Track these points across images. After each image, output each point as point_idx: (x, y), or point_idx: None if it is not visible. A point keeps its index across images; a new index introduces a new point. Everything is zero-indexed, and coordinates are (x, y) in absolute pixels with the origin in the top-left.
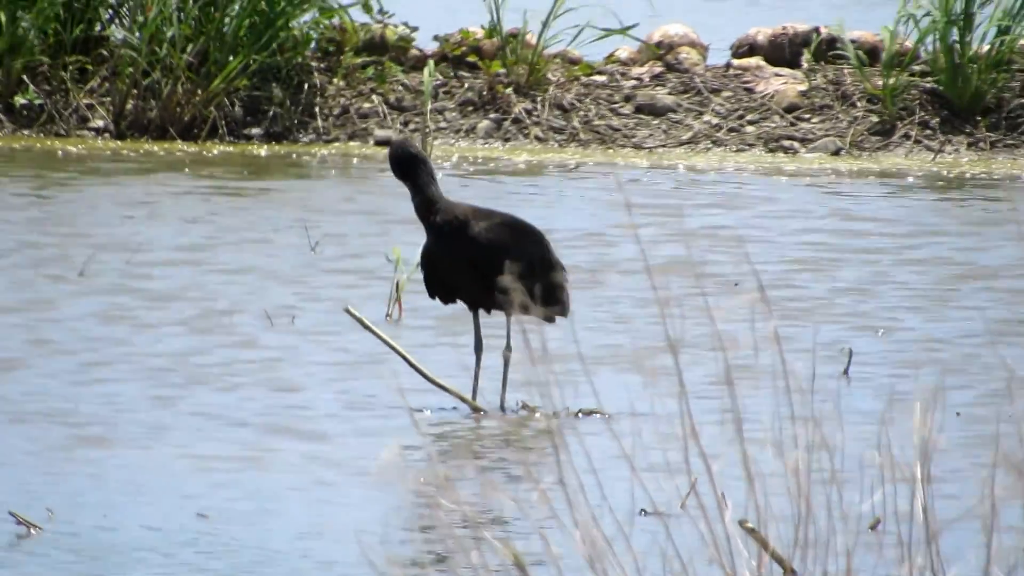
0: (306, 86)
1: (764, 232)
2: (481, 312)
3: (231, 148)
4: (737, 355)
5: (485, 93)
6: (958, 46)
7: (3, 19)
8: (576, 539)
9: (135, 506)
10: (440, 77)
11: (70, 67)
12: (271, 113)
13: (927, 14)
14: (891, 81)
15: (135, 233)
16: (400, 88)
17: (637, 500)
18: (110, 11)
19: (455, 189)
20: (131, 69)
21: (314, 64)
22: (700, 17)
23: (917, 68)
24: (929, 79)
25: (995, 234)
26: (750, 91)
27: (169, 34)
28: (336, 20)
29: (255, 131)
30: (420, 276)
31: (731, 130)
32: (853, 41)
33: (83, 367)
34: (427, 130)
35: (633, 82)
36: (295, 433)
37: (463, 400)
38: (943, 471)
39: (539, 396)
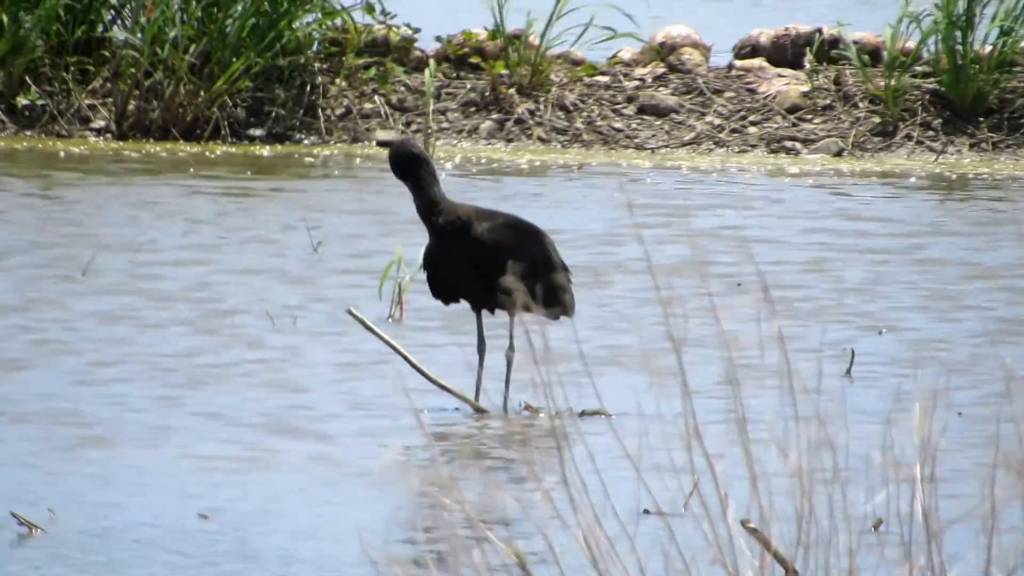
0: (308, 87)
1: (768, 232)
2: (484, 312)
3: (233, 149)
4: (743, 355)
5: (488, 94)
6: (960, 47)
7: (5, 20)
8: (579, 539)
9: (137, 506)
10: (442, 78)
11: (72, 68)
12: (273, 114)
13: (929, 15)
14: (893, 82)
15: (139, 233)
16: (402, 89)
17: (640, 500)
18: (112, 12)
19: (456, 190)
20: (133, 70)
21: (316, 65)
22: (702, 18)
23: (919, 69)
24: (931, 80)
25: (998, 234)
26: (752, 92)
27: (171, 35)
28: (338, 21)
29: (257, 132)
30: (423, 277)
31: (733, 131)
32: (855, 42)
33: (86, 367)
34: (429, 131)
35: (636, 83)
36: (298, 433)
37: (465, 400)
38: (947, 471)
39: (542, 396)
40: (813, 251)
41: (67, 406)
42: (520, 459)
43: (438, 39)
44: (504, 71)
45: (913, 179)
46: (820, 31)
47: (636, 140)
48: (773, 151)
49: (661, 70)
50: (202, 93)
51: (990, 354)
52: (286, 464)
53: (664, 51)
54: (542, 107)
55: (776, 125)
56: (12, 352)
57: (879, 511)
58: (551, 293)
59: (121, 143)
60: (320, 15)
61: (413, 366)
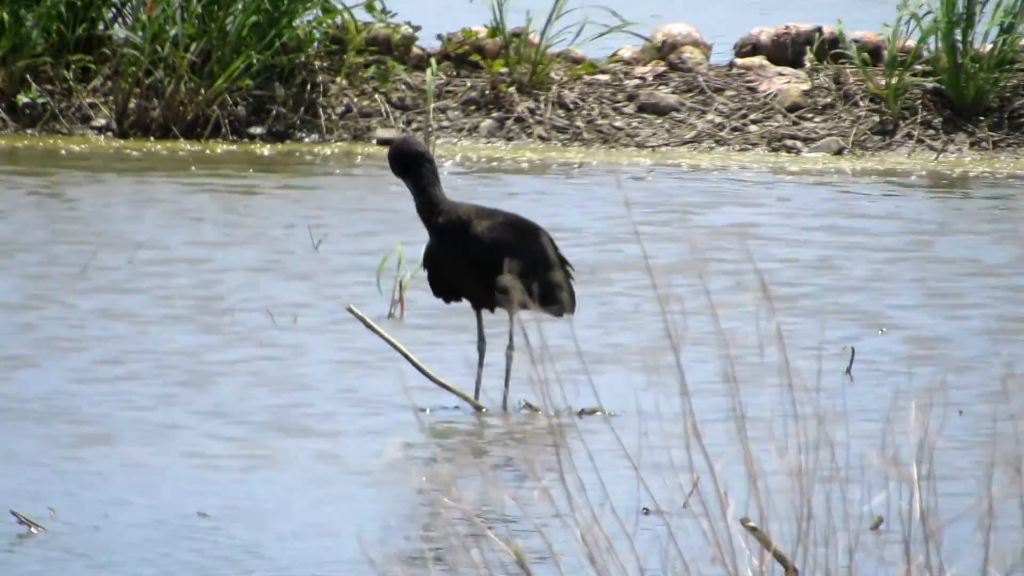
0: (309, 85)
1: (768, 230)
2: (485, 311)
3: (234, 147)
4: (743, 353)
5: (488, 92)
6: (960, 45)
7: (6, 18)
8: (578, 537)
9: (137, 505)
10: (443, 76)
11: (73, 66)
12: (274, 112)
13: (929, 13)
14: (893, 80)
15: (140, 231)
16: (403, 87)
17: (639, 498)
18: (113, 10)
19: (456, 188)
20: (134, 68)
21: (317, 63)
22: (703, 16)
23: (919, 67)
24: (931, 78)
25: (998, 233)
26: (753, 90)
27: (172, 33)
28: (339, 19)
29: (258, 130)
30: (423, 274)
31: (734, 129)
32: (855, 41)
33: (87, 365)
34: (429, 129)
35: (636, 81)
36: (298, 431)
37: (465, 399)
38: (947, 469)
39: (542, 395)
40: (813, 249)
41: (69, 404)
42: (520, 457)
43: (439, 37)
44: (504, 69)
45: (913, 177)
46: (820, 30)
47: (637, 138)
48: (774, 150)
49: (662, 68)
50: (203, 91)
51: (991, 352)
52: (286, 462)
53: (664, 49)
54: (542, 105)
55: (777, 123)
56: (14, 349)
57: (878, 510)
58: (549, 291)
59: (122, 141)
60: (321, 13)
61: (413, 364)
